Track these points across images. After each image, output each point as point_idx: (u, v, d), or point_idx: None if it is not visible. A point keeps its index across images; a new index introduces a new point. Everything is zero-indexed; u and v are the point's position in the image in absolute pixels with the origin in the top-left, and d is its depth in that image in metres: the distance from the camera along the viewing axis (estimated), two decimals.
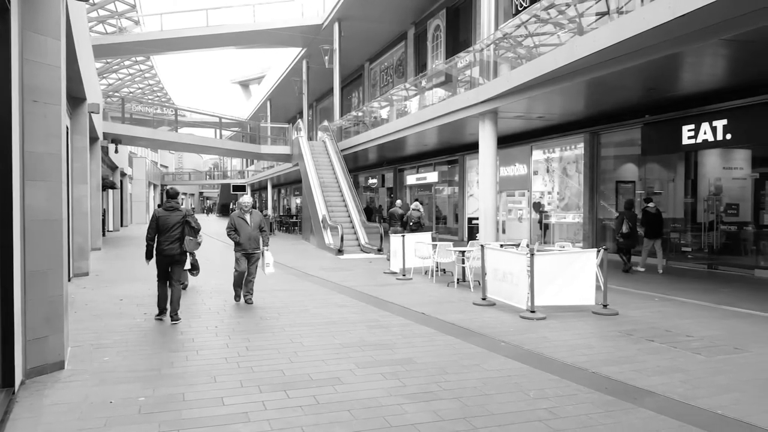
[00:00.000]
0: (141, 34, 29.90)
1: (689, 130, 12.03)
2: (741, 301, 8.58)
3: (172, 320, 7.20)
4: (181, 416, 4.03)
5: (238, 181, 57.40)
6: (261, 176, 46.10)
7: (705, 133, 11.69)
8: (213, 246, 20.71)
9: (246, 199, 8.71)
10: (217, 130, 29.59)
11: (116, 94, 38.92)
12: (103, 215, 24.87)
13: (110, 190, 30.03)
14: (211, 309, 8.23)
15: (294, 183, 42.77)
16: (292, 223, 30.81)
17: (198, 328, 6.94)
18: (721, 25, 7.31)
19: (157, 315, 7.46)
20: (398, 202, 16.71)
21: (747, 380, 4.82)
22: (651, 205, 12.43)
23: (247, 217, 8.59)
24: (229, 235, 8.55)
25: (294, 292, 9.63)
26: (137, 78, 43.51)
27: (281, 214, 43.00)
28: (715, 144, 11.69)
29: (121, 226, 35.29)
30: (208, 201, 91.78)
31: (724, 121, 11.30)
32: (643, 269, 12.35)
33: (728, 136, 11.27)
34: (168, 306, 7.31)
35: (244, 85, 67.01)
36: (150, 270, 7.84)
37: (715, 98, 11.44)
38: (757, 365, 5.26)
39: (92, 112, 14.31)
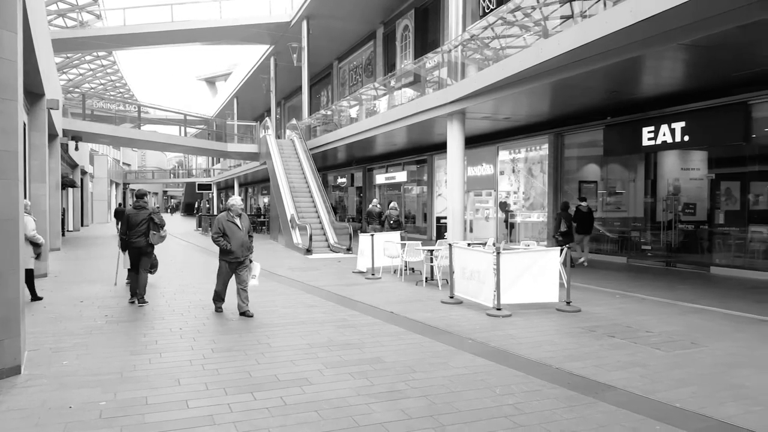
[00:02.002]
0: (103, 28, 29.08)
1: (649, 132, 12.40)
2: (698, 297, 8.89)
3: (138, 303, 8.37)
4: (144, 420, 3.94)
5: (204, 180, 56.41)
6: (227, 175, 45.44)
7: (664, 135, 12.07)
8: (177, 246, 20.33)
9: (236, 200, 7.74)
10: (182, 128, 29.05)
11: (77, 89, 37.74)
12: (63, 215, 24.11)
13: (70, 189, 29.14)
14: (175, 310, 8.06)
15: (262, 182, 42.30)
16: (259, 222, 30.49)
17: (161, 330, 6.80)
18: (679, 30, 7.55)
19: (130, 299, 8.56)
20: (375, 201, 17.17)
21: (703, 374, 5.00)
22: (584, 204, 13.49)
23: (238, 221, 7.61)
24: (216, 241, 7.51)
25: (261, 293, 9.52)
26: (99, 74, 42.31)
27: (250, 213, 42.49)
28: (674, 145, 12.09)
29: (82, 225, 34.26)
30: (172, 200, 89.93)
31: (683, 124, 11.69)
32: (585, 263, 12.94)
33: (686, 138, 11.66)
34: (136, 293, 8.44)
35: (210, 82, 65.89)
36: (110, 271, 7.70)
37: (674, 101, 11.83)
38: (713, 359, 5.46)
39: (51, 108, 13.86)
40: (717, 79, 10.49)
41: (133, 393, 4.49)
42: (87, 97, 28.67)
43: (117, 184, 56.47)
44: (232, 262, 7.63)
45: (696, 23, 7.29)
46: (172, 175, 76.73)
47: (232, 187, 47.11)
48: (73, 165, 30.50)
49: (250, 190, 51.71)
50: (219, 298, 7.90)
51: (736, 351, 5.76)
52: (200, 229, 30.19)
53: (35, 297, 8.77)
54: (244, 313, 7.53)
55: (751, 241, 11.58)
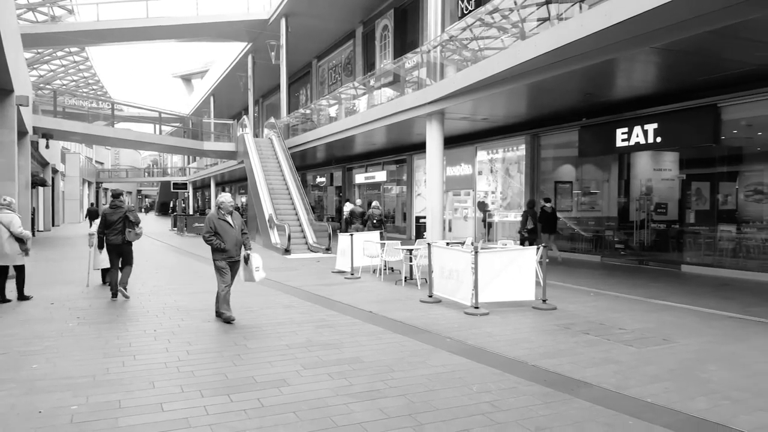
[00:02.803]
0: (75, 23, 28.43)
1: (623, 133, 12.63)
2: (669, 294, 9.09)
3: (122, 292, 8.78)
4: (117, 424, 3.88)
5: (179, 179, 55.65)
6: (204, 174, 44.90)
7: (637, 136, 12.31)
8: (152, 246, 20.02)
9: (226, 197, 7.39)
10: (157, 126, 28.58)
11: (48, 86, 36.86)
12: (33, 214, 23.52)
13: (40, 188, 28.44)
14: (149, 312, 7.94)
15: (239, 181, 41.93)
16: None
17: (135, 332, 6.69)
18: (652, 33, 7.72)
19: (112, 297, 8.81)
20: (358, 201, 17.73)
21: (674, 369, 5.12)
22: (548, 205, 13.90)
23: (229, 218, 7.34)
24: (209, 240, 7.16)
25: (238, 293, 9.41)
26: (71, 70, 41.39)
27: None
28: (647, 147, 12.33)
29: (53, 225, 33.48)
30: (146, 199, 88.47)
31: (655, 125, 11.93)
32: (560, 259, 13.28)
33: (658, 139, 11.91)
34: (119, 284, 8.81)
35: (186, 79, 65.00)
36: (82, 272, 7.52)
37: (646, 103, 12.07)
38: (684, 355, 5.59)
39: (21, 105, 13.52)
40: (688, 82, 10.74)
41: (106, 396, 4.41)
42: (58, 93, 28.00)
43: (89, 183, 55.32)
44: (227, 261, 7.27)
45: (667, 27, 7.45)
46: (146, 174, 75.51)
47: (209, 186, 46.59)
48: (44, 163, 29.79)
49: (227, 189, 51.18)
50: (225, 302, 7.26)
51: (706, 347, 5.90)
52: (175, 229, 29.77)
53: (22, 297, 8.71)
54: (228, 319, 7.14)
55: (720, 240, 11.88)
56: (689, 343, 6.06)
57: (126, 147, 42.41)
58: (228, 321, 7.12)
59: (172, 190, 53.98)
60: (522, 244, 13.00)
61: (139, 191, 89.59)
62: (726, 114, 11.16)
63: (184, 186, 51.78)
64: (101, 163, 69.65)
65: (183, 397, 4.40)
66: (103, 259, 10.19)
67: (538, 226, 13.48)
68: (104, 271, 10.45)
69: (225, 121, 31.96)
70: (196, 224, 27.65)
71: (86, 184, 51.84)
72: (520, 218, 14.00)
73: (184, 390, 4.57)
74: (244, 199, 40.84)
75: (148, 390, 4.58)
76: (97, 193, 61.62)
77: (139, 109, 31.12)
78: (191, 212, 44.79)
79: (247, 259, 7.37)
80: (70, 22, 29.16)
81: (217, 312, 7.34)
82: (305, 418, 3.97)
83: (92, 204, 39.61)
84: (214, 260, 7.31)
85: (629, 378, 4.86)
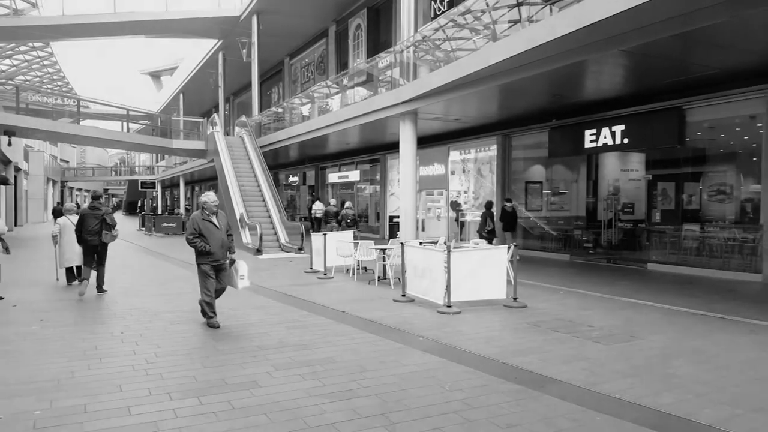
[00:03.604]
0: (39, 17, 27.59)
1: (591, 134, 12.88)
2: (636, 292, 9.31)
3: (98, 291, 9.13)
4: (83, 429, 3.77)
5: (147, 178, 54.53)
6: (172, 172, 44.07)
7: (605, 138, 12.57)
8: (119, 246, 19.56)
9: (210, 196, 6.95)
10: (125, 123, 27.92)
11: (10, 81, 35.66)
12: None
13: (3, 187, 27.50)
14: (116, 313, 7.76)
15: (209, 180, 41.27)
16: None
17: (102, 335, 6.53)
18: (620, 36, 7.89)
19: (98, 293, 9.16)
20: (332, 200, 17.87)
21: (640, 366, 5.24)
22: (509, 204, 14.29)
23: (214, 219, 6.89)
24: (192, 242, 6.71)
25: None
26: (34, 65, 40.19)
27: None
28: (614, 147, 12.61)
29: (16, 225, 32.42)
30: (114, 199, 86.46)
31: (622, 127, 12.20)
32: (517, 257, 13.59)
33: (626, 141, 12.18)
34: (95, 282, 9.20)
35: (155, 76, 63.70)
36: (48, 274, 7.30)
37: (614, 105, 12.33)
38: (650, 352, 5.73)
39: None
40: (654, 85, 11.01)
41: (71, 401, 4.29)
42: (21, 89, 27.10)
43: (54, 182, 53.76)
44: (213, 265, 6.84)
45: (634, 31, 7.64)
46: (113, 173, 73.73)
47: (178, 185, 45.77)
48: (6, 161, 28.81)
49: (197, 188, 50.36)
50: (211, 310, 6.88)
51: (671, 343, 6.06)
52: (143, 228, 29.17)
53: None
54: (213, 324, 6.82)
55: (685, 239, 12.22)
56: (655, 339, 6.22)
57: (92, 145, 41.32)
58: (218, 324, 6.80)
59: (140, 189, 52.88)
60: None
61: (105, 190, 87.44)
62: (690, 116, 11.49)
63: (152, 185, 50.75)
64: (66, 162, 67.77)
65: (151, 400, 4.31)
66: (69, 258, 9.98)
67: (496, 226, 13.83)
68: (69, 271, 10.24)
69: (195, 119, 31.43)
70: (165, 224, 27.15)
71: (51, 183, 50.36)
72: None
73: (153, 393, 4.48)
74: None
75: (114, 393, 4.47)
76: (62, 192, 59.92)
77: (106, 106, 30.31)
78: (162, 212, 43.87)
79: (231, 264, 7.01)
80: (34, 15, 28.27)
81: (203, 312, 6.99)
82: (277, 419, 3.94)
83: (58, 203, 38.51)
84: (198, 264, 6.85)
85: (597, 374, 4.96)
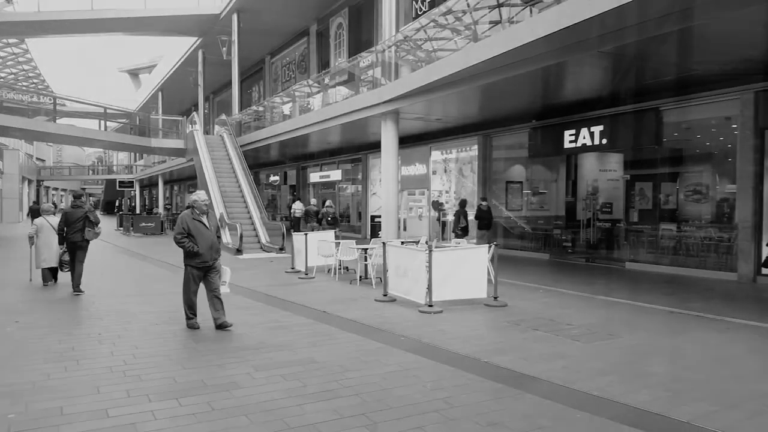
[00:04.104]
0: (13, 13, 26.99)
1: (570, 135, 13.04)
2: (614, 291, 9.45)
3: (74, 291, 9.11)
4: None
5: (125, 177, 53.70)
6: (151, 171, 43.47)
7: (584, 138, 12.73)
8: (96, 247, 19.23)
9: (201, 195, 6.76)
10: (102, 121, 27.46)
11: None
12: None
13: None
14: (94, 315, 7.63)
15: (189, 179, 40.79)
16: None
17: (79, 336, 6.41)
18: (599, 38, 7.99)
19: (73, 292, 9.14)
20: (313, 200, 17.96)
21: (619, 363, 5.32)
22: (484, 203, 14.49)
23: (204, 219, 6.66)
24: (180, 243, 6.50)
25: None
26: (9, 62, 39.28)
27: (174, 213, 40.85)
28: (593, 148, 12.77)
29: None
30: (91, 198, 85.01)
31: (601, 127, 12.37)
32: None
33: (604, 141, 12.35)
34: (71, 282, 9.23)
35: (134, 74, 62.74)
36: (23, 275, 7.15)
37: (593, 106, 12.49)
38: (628, 350, 5.82)
39: None
40: (632, 86, 11.18)
41: (47, 403, 4.20)
42: None
43: (30, 181, 52.64)
44: (201, 267, 6.62)
45: (611, 33, 7.74)
46: (91, 172, 72.43)
47: (156, 185, 45.14)
48: None
49: (175, 187, 49.75)
50: (192, 311, 6.73)
51: (648, 341, 6.17)
52: (121, 228, 28.72)
53: None
54: (222, 325, 6.55)
55: (662, 238, 12.44)
56: (633, 337, 6.31)
57: (69, 143, 40.50)
58: (224, 326, 6.55)
59: (117, 188, 52.07)
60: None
61: (83, 189, 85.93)
62: (667, 117, 11.69)
63: (130, 184, 49.99)
64: (42, 161, 66.35)
65: (129, 402, 4.25)
66: (46, 259, 9.81)
67: (469, 224, 14.08)
68: (45, 272, 10.05)
69: (174, 118, 31.04)
70: (143, 224, 26.76)
71: (26, 182, 49.29)
72: (464, 217, 14.41)
73: (131, 395, 4.41)
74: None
75: (92, 396, 4.39)
76: (38, 191, 58.68)
77: (83, 104, 29.78)
78: (141, 211, 43.23)
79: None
80: (8, 11, 27.61)
81: (188, 316, 6.79)
82: (257, 420, 3.91)
83: (34, 202, 37.70)
84: (185, 265, 6.66)
85: (577, 372, 5.02)
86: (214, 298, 6.67)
